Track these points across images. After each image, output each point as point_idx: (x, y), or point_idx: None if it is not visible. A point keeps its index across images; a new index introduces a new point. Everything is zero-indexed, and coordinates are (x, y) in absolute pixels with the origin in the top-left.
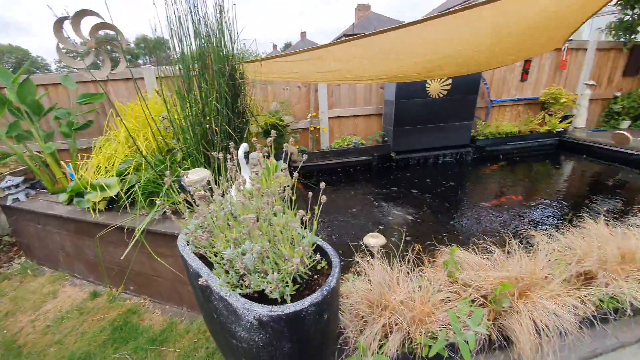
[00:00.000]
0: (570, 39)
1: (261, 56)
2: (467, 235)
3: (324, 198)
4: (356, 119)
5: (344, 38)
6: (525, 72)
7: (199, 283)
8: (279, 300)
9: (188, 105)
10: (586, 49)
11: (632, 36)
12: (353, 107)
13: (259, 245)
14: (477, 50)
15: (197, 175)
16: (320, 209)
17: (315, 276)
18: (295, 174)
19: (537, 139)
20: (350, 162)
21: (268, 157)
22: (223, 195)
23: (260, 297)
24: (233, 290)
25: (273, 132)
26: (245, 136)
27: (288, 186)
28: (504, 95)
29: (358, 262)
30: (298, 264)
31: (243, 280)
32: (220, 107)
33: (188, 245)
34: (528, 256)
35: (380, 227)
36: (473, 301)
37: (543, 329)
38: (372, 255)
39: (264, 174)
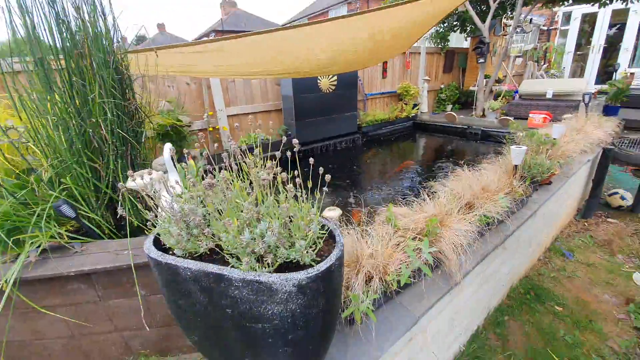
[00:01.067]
0: None
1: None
2: (389, 196)
3: (328, 177)
4: (256, 115)
5: (213, 34)
6: (384, 71)
7: (226, 276)
8: (307, 264)
9: (60, 106)
10: (420, 53)
11: (446, 43)
12: (251, 103)
13: (277, 222)
14: (355, 52)
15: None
16: (326, 184)
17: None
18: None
19: (400, 122)
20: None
21: (192, 158)
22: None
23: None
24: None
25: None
26: (143, 141)
27: (277, 168)
28: (373, 90)
29: None
30: (317, 227)
31: (262, 261)
32: (108, 107)
33: (168, 253)
34: (435, 200)
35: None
36: (414, 239)
37: (459, 245)
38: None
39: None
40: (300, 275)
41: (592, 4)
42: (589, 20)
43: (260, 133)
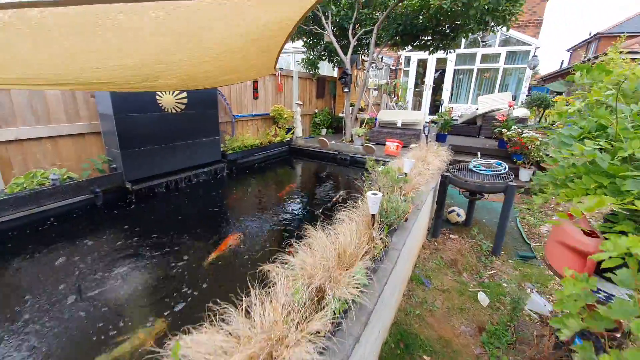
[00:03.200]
0: (281, 67)
1: None
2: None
3: None
4: (56, 141)
5: None
6: (255, 91)
7: None
8: None
9: None
10: (292, 77)
11: (316, 70)
12: (46, 123)
13: None
14: (195, 64)
15: None
16: None
17: None
18: None
19: (275, 148)
20: (52, 210)
21: None
22: None
23: None
24: None
25: None
26: None
27: None
28: (243, 111)
29: None
30: None
31: None
32: None
33: None
34: (269, 303)
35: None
36: None
37: None
38: None
39: None
40: None
41: (424, 50)
42: (422, 65)
43: (55, 169)
